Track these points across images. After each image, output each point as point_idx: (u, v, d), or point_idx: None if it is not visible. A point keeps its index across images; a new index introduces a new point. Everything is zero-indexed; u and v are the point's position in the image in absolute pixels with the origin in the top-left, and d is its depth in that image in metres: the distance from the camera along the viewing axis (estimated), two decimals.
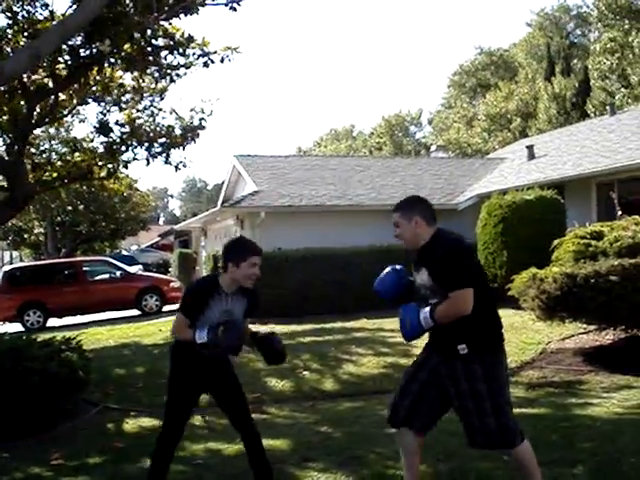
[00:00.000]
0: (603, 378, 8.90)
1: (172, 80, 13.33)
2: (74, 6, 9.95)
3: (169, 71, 13.06)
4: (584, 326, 11.27)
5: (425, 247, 4.37)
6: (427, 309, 4.18)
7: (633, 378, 8.61)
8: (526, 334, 11.97)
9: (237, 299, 4.82)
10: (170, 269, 27.36)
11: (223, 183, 26.17)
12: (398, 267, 4.86)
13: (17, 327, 18.76)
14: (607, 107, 27.73)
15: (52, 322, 19.60)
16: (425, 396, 4.34)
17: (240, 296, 4.86)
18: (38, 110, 12.30)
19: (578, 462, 5.18)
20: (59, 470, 6.17)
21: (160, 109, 14.33)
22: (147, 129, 13.97)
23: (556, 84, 43.56)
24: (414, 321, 4.24)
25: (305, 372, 10.34)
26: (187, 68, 12.86)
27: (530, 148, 22.67)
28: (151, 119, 14.24)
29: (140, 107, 14.31)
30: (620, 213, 12.40)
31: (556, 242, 11.11)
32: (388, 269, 4.87)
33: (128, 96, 14.20)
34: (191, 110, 14.35)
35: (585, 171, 16.76)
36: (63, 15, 10.40)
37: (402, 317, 4.36)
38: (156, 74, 13.31)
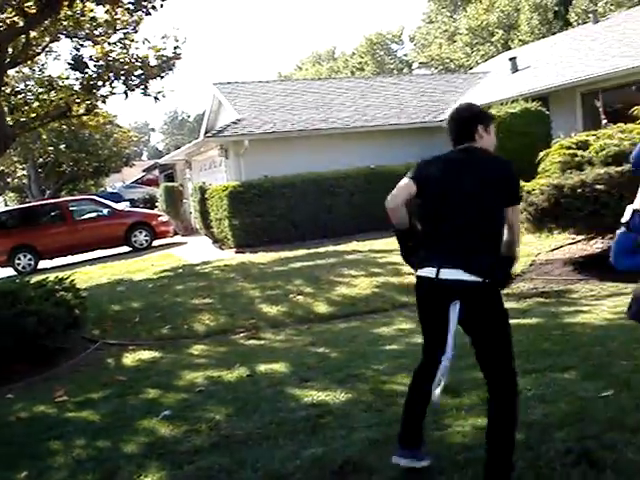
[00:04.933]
0: (593, 286, 9.03)
1: (148, 13, 13.04)
2: None
3: (144, 2, 12.77)
4: (572, 236, 11.38)
5: None
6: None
7: (622, 284, 8.71)
8: None
9: None
10: (157, 204, 27.23)
11: (205, 113, 25.85)
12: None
13: (9, 272, 18.78)
14: (590, 15, 27.30)
15: (43, 264, 19.62)
16: None
17: None
18: (10, 50, 12.02)
19: (570, 367, 5.30)
20: (64, 406, 6.27)
21: (133, 40, 14.05)
22: (122, 62, 13.71)
23: None
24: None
25: (299, 296, 10.45)
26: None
27: (513, 60, 22.43)
28: (125, 51, 13.97)
29: (113, 40, 14.02)
30: (605, 122, 12.39)
31: (542, 154, 11.11)
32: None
33: (101, 30, 13.89)
34: (163, 37, 14.08)
35: (569, 81, 16.63)
36: None
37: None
38: (130, 6, 13.01)
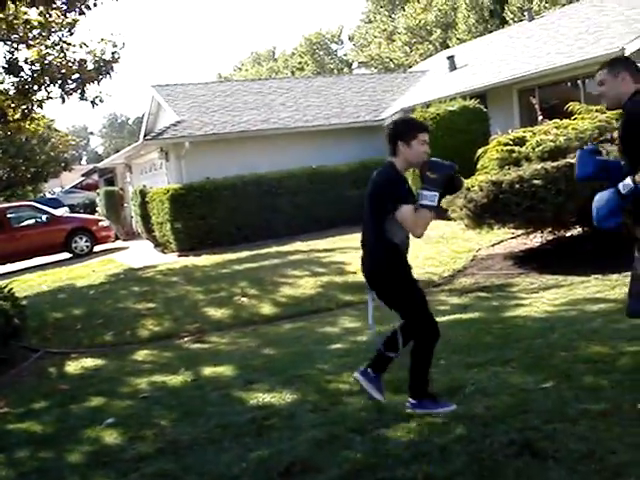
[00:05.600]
0: (533, 279, 9.20)
1: (81, 12, 12.82)
2: None
3: (77, 2, 12.56)
4: (512, 231, 11.59)
5: (623, 107, 4.03)
6: (630, 183, 3.76)
7: (562, 277, 8.92)
8: (457, 243, 12.25)
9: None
10: (97, 208, 26.82)
11: (144, 116, 25.55)
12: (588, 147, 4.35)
13: None
14: (525, 13, 27.79)
15: None
16: None
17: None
18: None
19: (512, 360, 5.39)
20: (5, 418, 6.12)
21: (70, 44, 13.81)
22: (58, 65, 13.47)
23: None
24: (610, 196, 3.83)
25: (243, 298, 10.41)
26: None
27: (451, 59, 22.70)
28: (62, 54, 13.73)
29: (49, 43, 13.76)
30: (541, 118, 12.61)
31: (480, 151, 11.28)
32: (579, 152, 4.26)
33: (36, 32, 13.62)
34: (101, 41, 13.88)
35: (506, 78, 16.91)
36: None
37: (596, 200, 3.94)
38: (63, 7, 12.78)
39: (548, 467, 3.48)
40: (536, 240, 11.36)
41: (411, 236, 4.43)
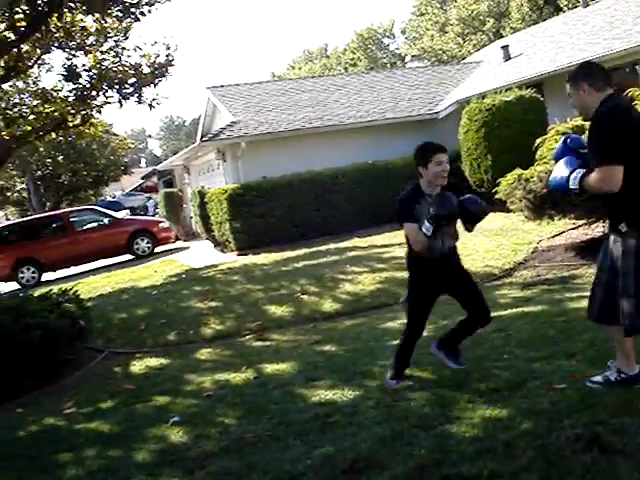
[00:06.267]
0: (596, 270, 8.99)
1: (136, 19, 13.05)
2: None
3: (132, 9, 12.79)
4: (573, 222, 11.37)
5: (592, 118, 4.12)
6: (582, 172, 4.01)
7: None
8: (517, 235, 12.08)
9: None
10: (157, 210, 27.24)
11: (200, 117, 25.84)
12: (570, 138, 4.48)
13: (13, 286, 18.81)
14: None
15: (47, 277, 19.65)
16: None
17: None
18: (2, 64, 12.05)
19: (576, 353, 5.29)
20: (73, 418, 6.28)
21: (125, 48, 14.08)
22: (115, 70, 13.74)
23: None
24: (564, 176, 4.12)
25: (304, 296, 10.45)
26: (151, 5, 12.60)
27: (505, 48, 22.38)
28: (117, 59, 13.99)
29: (104, 48, 14.04)
30: None
31: (538, 141, 11.09)
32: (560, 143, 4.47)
33: (92, 39, 13.91)
34: (154, 44, 14.10)
35: (562, 66, 16.58)
36: None
37: (557, 165, 4.24)
38: (119, 13, 13.03)
39: (617, 462, 3.40)
40: (598, 230, 11.11)
41: (465, 231, 5.16)
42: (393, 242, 13.90)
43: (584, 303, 7.24)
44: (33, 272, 19.39)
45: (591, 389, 4.41)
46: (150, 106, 14.40)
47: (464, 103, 17.74)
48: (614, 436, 3.66)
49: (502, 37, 37.55)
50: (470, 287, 5.27)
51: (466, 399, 4.63)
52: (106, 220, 21.24)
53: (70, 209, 25.75)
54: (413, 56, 35.20)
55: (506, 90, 16.04)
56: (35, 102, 15.46)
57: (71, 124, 14.37)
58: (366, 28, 67.40)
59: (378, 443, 4.17)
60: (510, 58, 21.70)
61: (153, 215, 30.79)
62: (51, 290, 9.65)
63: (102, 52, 14.06)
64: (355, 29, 74.76)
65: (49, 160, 34.73)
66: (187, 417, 5.54)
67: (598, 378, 4.43)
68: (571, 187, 4.10)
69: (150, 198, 36.49)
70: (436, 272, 5.07)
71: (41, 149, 30.24)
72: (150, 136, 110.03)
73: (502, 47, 22.88)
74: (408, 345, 5.31)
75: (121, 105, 14.00)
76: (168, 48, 14.28)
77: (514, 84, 16.95)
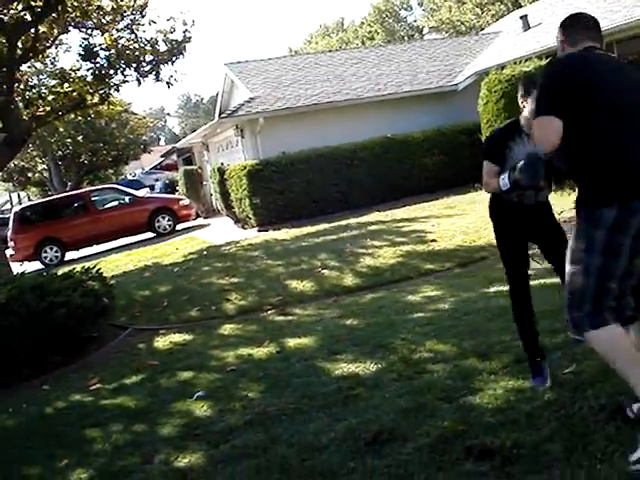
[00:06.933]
0: None
1: None
2: None
3: None
4: None
5: None
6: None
7: None
8: None
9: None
10: (177, 188, 27.33)
11: (218, 94, 25.80)
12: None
13: (37, 265, 18.99)
14: None
15: (70, 255, 19.83)
16: None
17: None
18: (20, 45, 12.08)
19: None
20: (99, 394, 6.35)
21: (140, 24, 14.05)
22: (131, 48, 13.73)
23: None
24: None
25: (324, 270, 10.47)
26: None
27: (524, 18, 22.06)
28: (132, 36, 13.98)
29: (121, 27, 14.04)
30: None
31: None
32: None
33: (108, 18, 13.91)
34: (169, 19, 14.08)
35: None
36: None
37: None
38: None
39: None
40: None
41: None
42: (413, 216, 13.88)
43: None
44: (56, 251, 19.58)
45: None
46: (168, 84, 14.41)
47: (483, 74, 17.55)
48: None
49: (521, 7, 37.04)
50: (556, 246, 4.42)
51: (488, 370, 4.63)
52: (127, 199, 21.35)
53: (91, 188, 25.90)
54: (431, 28, 34.87)
55: (525, 60, 15.82)
56: (53, 82, 15.51)
57: (90, 103, 14.41)
58: (383, 1, 66.79)
59: (401, 415, 4.19)
60: (529, 28, 21.40)
61: None
62: (74, 269, 9.73)
63: (118, 30, 14.05)
64: (372, 2, 74.06)
65: (69, 140, 34.89)
66: (211, 391, 5.60)
67: None
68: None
69: (158, 180, 36.36)
70: (517, 219, 4.42)
71: (61, 129, 30.46)
72: (169, 114, 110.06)
73: (521, 17, 22.56)
74: (514, 305, 4.54)
75: (139, 83, 14.02)
76: (185, 24, 14.25)
77: (534, 54, 16.72)
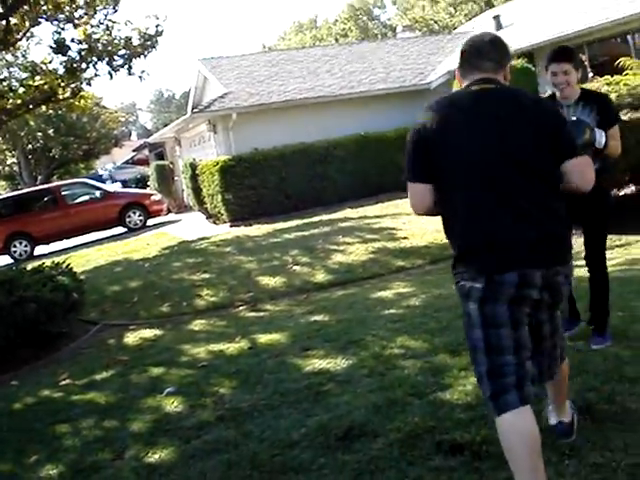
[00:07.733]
0: None
1: None
2: None
3: None
4: None
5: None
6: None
7: (616, 236, 8.74)
8: None
9: (581, 110, 4.51)
10: (148, 183, 27.16)
11: (190, 90, 25.68)
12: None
13: (6, 260, 18.77)
14: None
15: (40, 250, 19.62)
16: None
17: (585, 106, 4.52)
18: None
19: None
20: (68, 389, 6.31)
21: (114, 22, 13.96)
22: (104, 43, 13.63)
23: None
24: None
25: (295, 267, 10.48)
26: None
27: (497, 18, 22.25)
28: (107, 32, 13.87)
29: (94, 22, 13.92)
30: (591, 75, 12.32)
31: None
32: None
33: (81, 12, 13.77)
34: (146, 17, 14.01)
35: (553, 36, 16.49)
36: None
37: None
38: None
39: (607, 429, 3.46)
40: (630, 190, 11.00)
41: None
42: (384, 213, 13.93)
43: (575, 272, 7.30)
44: (25, 246, 19.37)
45: (585, 355, 4.46)
46: (140, 77, 14.35)
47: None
48: (605, 403, 3.71)
49: (494, 7, 37.30)
50: (590, 231, 4.78)
51: (459, 367, 4.67)
52: (98, 193, 21.18)
53: (61, 182, 25.63)
54: (404, 26, 34.92)
55: None
56: (24, 75, 15.33)
57: (61, 97, 14.25)
58: None
59: (372, 411, 4.21)
60: (502, 28, 21.55)
61: None
62: (44, 263, 9.65)
63: (92, 26, 13.92)
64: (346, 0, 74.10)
65: (39, 134, 34.51)
66: (182, 387, 5.57)
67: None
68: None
69: (112, 178, 36.17)
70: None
71: (31, 123, 30.10)
72: (141, 109, 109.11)
73: (494, 17, 22.75)
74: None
75: (111, 77, 13.91)
76: (157, 18, 14.18)
77: None
